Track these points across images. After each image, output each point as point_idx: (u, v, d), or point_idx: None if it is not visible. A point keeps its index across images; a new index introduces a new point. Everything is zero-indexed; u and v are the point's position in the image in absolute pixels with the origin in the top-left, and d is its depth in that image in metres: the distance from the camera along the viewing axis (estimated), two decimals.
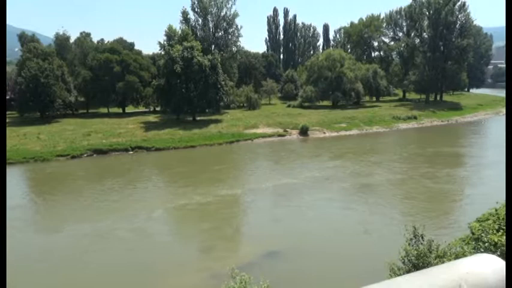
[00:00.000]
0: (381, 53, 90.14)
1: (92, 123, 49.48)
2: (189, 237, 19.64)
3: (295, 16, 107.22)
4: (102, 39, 70.27)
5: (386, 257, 9.13)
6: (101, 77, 57.37)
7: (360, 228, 19.05)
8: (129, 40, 68.48)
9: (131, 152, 39.24)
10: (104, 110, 62.45)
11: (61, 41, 65.51)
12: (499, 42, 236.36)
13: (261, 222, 21.17)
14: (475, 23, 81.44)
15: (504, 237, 7.38)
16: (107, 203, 24.15)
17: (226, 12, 65.76)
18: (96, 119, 53.71)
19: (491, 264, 1.48)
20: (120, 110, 61.81)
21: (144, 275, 15.17)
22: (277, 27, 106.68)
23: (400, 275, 7.30)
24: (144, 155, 38.93)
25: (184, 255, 17.08)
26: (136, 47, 67.66)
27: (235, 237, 19.36)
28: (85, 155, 37.50)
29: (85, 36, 71.24)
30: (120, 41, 66.31)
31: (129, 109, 62.83)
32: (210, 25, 66.20)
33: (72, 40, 68.67)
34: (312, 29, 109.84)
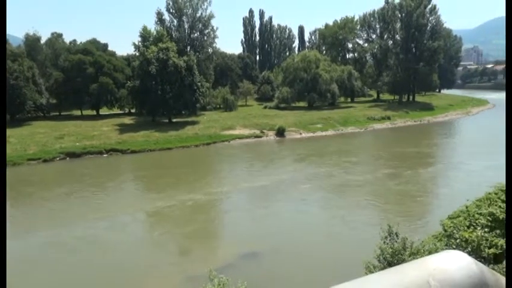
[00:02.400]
0: (355, 54, 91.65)
1: (65, 125, 48.28)
2: (154, 242, 19.04)
3: (270, 18, 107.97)
4: (74, 40, 68.78)
5: (359, 255, 9.27)
6: (74, 78, 56.09)
7: (330, 230, 19.13)
8: (102, 41, 67.37)
9: (106, 155, 38.54)
10: (77, 112, 61.09)
11: (31, 41, 63.77)
12: (468, 44, 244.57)
13: (222, 227, 21.22)
14: (445, 25, 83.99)
15: (474, 233, 7.63)
16: (63, 211, 23.02)
17: (201, 14, 65.55)
18: (69, 121, 52.43)
19: (458, 261, 1.53)
20: (94, 112, 60.60)
21: (116, 281, 14.77)
22: (253, 28, 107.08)
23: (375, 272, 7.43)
24: (118, 157, 38.30)
25: (155, 259, 16.71)
26: (110, 48, 66.62)
27: (194, 243, 18.94)
28: (57, 159, 36.59)
29: (56, 37, 69.67)
30: (93, 42, 65.05)
31: (103, 111, 61.66)
32: (186, 26, 65.78)
33: (43, 41, 67.01)
34: (287, 31, 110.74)
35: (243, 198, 25.50)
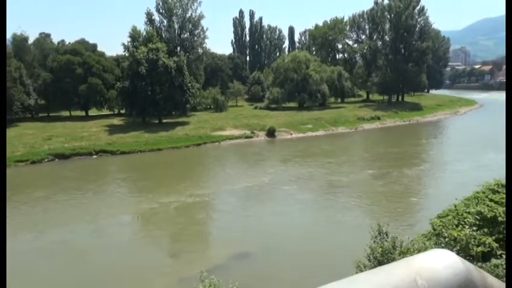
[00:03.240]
0: (345, 55, 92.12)
1: (53, 126, 47.80)
2: (141, 244, 18.54)
3: (261, 18, 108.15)
4: (62, 40, 68.04)
5: (349, 255, 9.29)
6: (62, 79, 55.52)
7: (319, 230, 19.12)
8: (91, 41, 66.79)
9: (95, 156, 38.23)
10: (65, 113, 60.50)
11: (19, 41, 62.89)
12: (456, 45, 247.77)
13: (209, 229, 21.12)
14: (433, 26, 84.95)
15: (463, 232, 7.72)
16: (48, 214, 22.55)
17: (191, 14, 65.28)
18: (57, 122, 51.91)
19: (444, 259, 1.55)
20: (83, 113, 60.07)
21: (104, 285, 14.59)
22: (243, 29, 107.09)
23: None
24: (108, 159, 38.01)
25: (143, 261, 16.48)
26: (99, 49, 65.98)
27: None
28: (46, 160, 36.20)
29: (45, 37, 68.90)
30: (82, 42, 64.47)
31: (93, 112, 61.16)
32: (176, 26, 65.48)
33: (30, 41, 66.15)
34: (277, 31, 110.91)
35: (231, 199, 25.28)
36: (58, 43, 67.38)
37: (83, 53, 58.93)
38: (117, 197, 26.38)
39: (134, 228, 21.37)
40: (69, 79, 55.55)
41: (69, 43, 65.19)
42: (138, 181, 30.55)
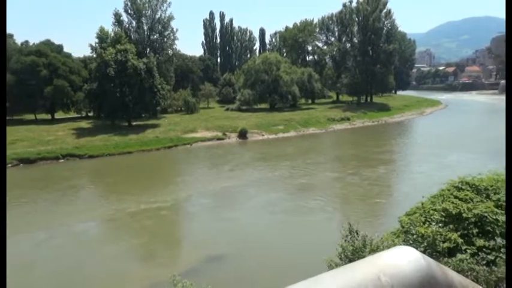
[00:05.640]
0: (315, 56, 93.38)
1: (17, 130, 46.03)
2: (105, 252, 17.84)
3: (231, 20, 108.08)
4: (26, 41, 65.87)
5: (319, 255, 9.40)
6: (26, 81, 53.60)
7: (288, 232, 19.28)
8: (57, 42, 64.91)
9: (62, 160, 37.15)
10: (30, 117, 58.55)
11: None
12: (421, 47, 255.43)
13: (175, 235, 20.78)
14: (399, 29, 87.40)
15: (429, 229, 7.94)
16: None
17: (161, 15, 64.61)
18: (21, 126, 50.06)
19: (407, 256, 1.57)
20: (49, 116, 58.30)
21: None
22: (213, 30, 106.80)
23: None
24: (75, 163, 36.96)
25: (108, 270, 16.14)
26: (66, 50, 64.18)
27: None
28: (10, 165, 34.86)
29: (7, 38, 66.46)
30: (47, 43, 62.52)
31: (59, 115, 59.47)
32: (145, 28, 64.61)
33: None
34: (248, 33, 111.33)
35: (199, 203, 24.79)
36: (21, 44, 65.16)
37: (48, 54, 57.11)
38: (77, 202, 25.40)
39: (94, 235, 20.38)
40: (33, 81, 53.71)
41: (34, 44, 63.17)
42: (102, 186, 29.78)
